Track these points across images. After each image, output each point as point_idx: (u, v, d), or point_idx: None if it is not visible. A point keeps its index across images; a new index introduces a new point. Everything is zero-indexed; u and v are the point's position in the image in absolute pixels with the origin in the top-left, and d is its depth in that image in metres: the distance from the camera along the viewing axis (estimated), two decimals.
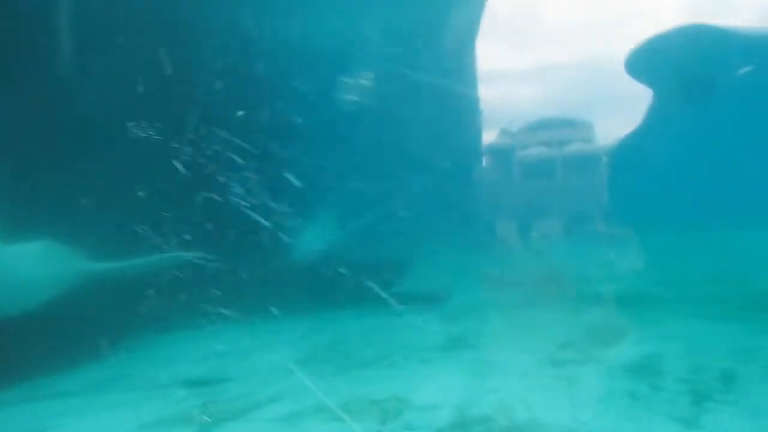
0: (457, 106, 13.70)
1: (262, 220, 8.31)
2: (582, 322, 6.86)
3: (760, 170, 11.67)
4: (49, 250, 6.72)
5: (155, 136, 7.21)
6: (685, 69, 11.88)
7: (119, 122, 7.27)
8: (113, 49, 7.49)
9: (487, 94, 15.26)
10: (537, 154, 16.55)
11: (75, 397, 5.35)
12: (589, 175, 15.18)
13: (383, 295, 7.65)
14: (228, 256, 7.65)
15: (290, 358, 5.91)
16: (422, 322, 7.47)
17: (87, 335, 6.44)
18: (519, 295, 9.10)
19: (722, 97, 11.98)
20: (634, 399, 4.01)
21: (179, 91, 7.72)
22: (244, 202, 8.27)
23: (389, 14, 11.67)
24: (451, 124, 13.75)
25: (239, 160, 8.35)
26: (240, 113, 8.51)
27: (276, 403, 4.46)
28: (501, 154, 17.39)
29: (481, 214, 14.44)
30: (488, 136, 16.82)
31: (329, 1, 11.13)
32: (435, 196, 13.24)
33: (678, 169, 13.11)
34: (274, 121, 9.02)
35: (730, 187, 11.99)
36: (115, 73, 7.37)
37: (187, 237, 7.31)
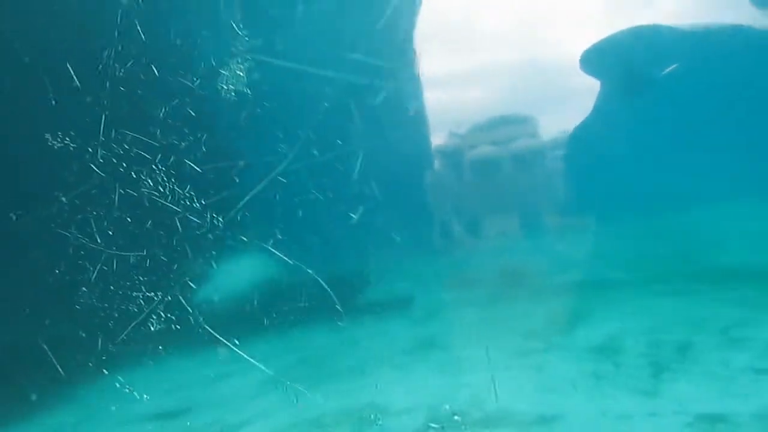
0: (404, 112, 13.87)
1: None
2: (544, 312, 7.02)
3: (697, 157, 12.33)
4: None
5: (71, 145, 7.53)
6: (632, 65, 12.65)
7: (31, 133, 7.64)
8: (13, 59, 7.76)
9: (432, 98, 15.42)
10: (486, 153, 16.88)
11: None
12: (539, 169, 15.58)
13: (338, 307, 7.71)
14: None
15: (257, 381, 5.85)
16: (391, 329, 7.52)
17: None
18: (480, 293, 9.25)
19: (661, 90, 12.68)
20: (598, 378, 4.16)
21: (84, 98, 8.11)
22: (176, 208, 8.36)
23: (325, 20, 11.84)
24: (400, 130, 13.89)
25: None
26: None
27: (248, 427, 4.41)
28: (451, 156, 17.63)
29: (436, 217, 14.60)
30: (437, 140, 17.00)
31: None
32: (387, 202, 13.31)
33: (625, 158, 13.67)
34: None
35: (672, 174, 12.59)
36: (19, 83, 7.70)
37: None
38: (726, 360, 4.10)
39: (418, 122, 14.88)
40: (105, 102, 8.49)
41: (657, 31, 13.19)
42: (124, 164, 8.49)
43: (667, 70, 12.39)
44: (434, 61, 14.54)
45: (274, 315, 8.68)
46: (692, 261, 8.75)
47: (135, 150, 8.58)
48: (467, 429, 3.56)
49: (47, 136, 7.62)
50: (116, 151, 8.47)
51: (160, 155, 8.85)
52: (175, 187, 8.90)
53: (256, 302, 8.93)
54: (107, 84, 8.90)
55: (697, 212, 11.52)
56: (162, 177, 8.83)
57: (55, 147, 7.59)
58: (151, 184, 8.60)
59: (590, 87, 15.31)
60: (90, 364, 7.05)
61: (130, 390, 6.37)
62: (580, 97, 15.70)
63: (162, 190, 8.67)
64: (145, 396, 5.65)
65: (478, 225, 14.05)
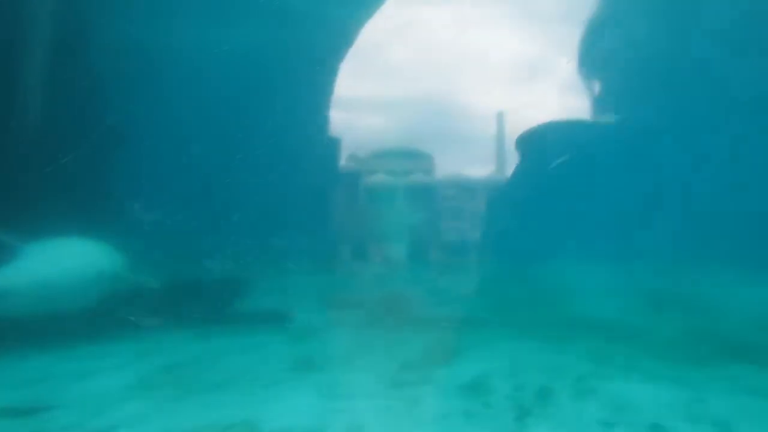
0: (306, 128, 13.85)
1: None
2: (421, 343, 7.26)
3: (565, 220, 13.92)
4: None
5: None
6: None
7: None
8: None
9: (336, 118, 15.61)
10: (382, 181, 17.29)
11: None
12: (429, 205, 16.27)
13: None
14: None
15: (123, 384, 5.43)
16: (266, 344, 7.34)
17: None
18: (361, 317, 9.37)
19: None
20: (468, 417, 4.40)
21: None
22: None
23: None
24: (300, 144, 13.83)
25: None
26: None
27: None
28: (348, 178, 17.80)
29: (325, 236, 14.63)
30: (336, 159, 17.10)
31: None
32: (277, 214, 13.16)
33: (505, 209, 14.91)
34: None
35: (543, 231, 14.00)
36: None
37: None
38: (579, 410, 4.53)
39: (320, 137, 14.91)
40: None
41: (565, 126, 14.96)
42: None
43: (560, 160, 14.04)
44: (345, 82, 14.73)
45: (137, 317, 8.15)
46: (555, 309, 9.58)
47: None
48: None
49: None
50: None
51: None
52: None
53: (119, 302, 8.33)
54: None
55: (559, 265, 12.76)
56: None
57: None
58: None
59: (486, 136, 16.39)
60: None
61: None
62: (477, 144, 16.72)
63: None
64: None
65: (363, 249, 14.30)
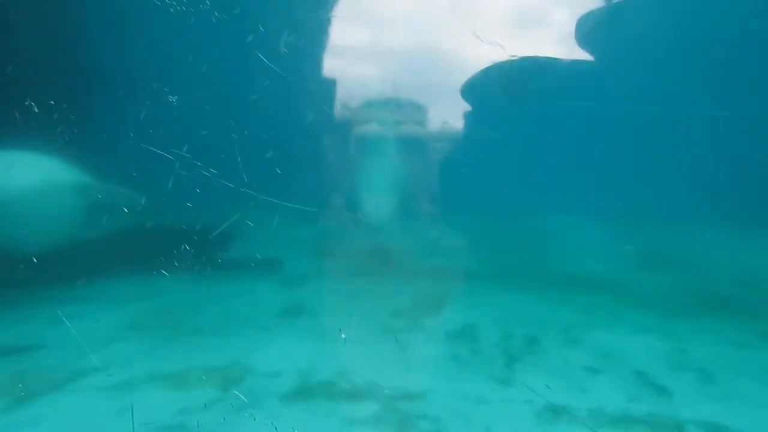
0: (297, 77, 13.51)
1: None
2: (410, 293, 7.31)
3: (563, 167, 13.83)
4: None
5: None
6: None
7: None
8: None
9: (328, 66, 15.23)
10: (373, 131, 17.04)
11: None
12: (420, 157, 16.13)
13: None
14: None
15: (113, 325, 5.44)
16: (257, 290, 7.37)
17: None
18: (352, 266, 9.41)
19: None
20: (458, 362, 4.47)
21: None
22: None
23: None
24: (290, 93, 13.53)
25: None
26: None
27: (101, 372, 4.07)
28: (339, 127, 17.53)
29: (316, 185, 14.53)
30: (327, 108, 16.78)
31: None
32: (269, 162, 13.00)
33: (496, 164, 14.84)
34: None
35: (535, 186, 13.98)
36: None
37: None
38: (566, 357, 4.62)
39: (313, 85, 14.56)
40: None
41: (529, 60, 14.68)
42: None
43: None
44: (336, 31, 14.29)
45: (129, 258, 8.12)
46: (542, 264, 9.68)
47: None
48: (336, 399, 3.62)
49: None
50: None
51: None
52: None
53: (109, 242, 8.30)
54: None
55: (550, 221, 12.84)
56: None
57: None
58: None
59: (479, 88, 16.12)
60: None
61: None
62: (468, 97, 16.45)
63: None
64: None
65: (355, 200, 14.23)
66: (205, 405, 3.44)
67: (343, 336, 5.04)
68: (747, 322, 5.89)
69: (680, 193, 12.88)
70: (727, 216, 11.23)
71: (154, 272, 8.10)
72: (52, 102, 7.50)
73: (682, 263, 9.36)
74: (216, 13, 11.08)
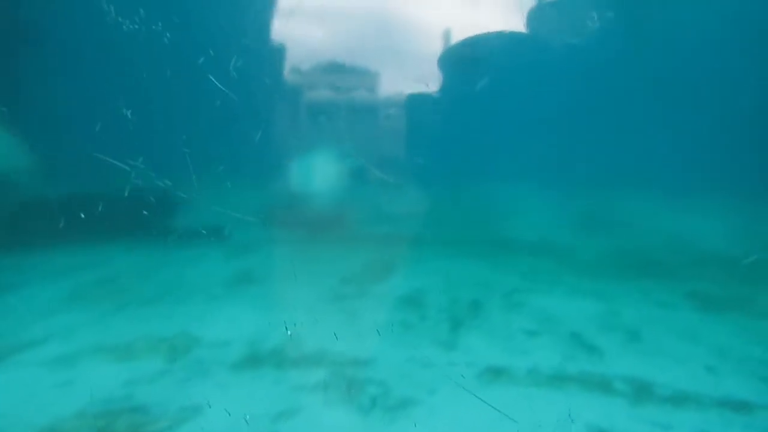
0: (246, 39, 13.10)
1: None
2: (359, 260, 7.40)
3: (508, 135, 14.14)
4: None
5: None
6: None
7: None
8: None
9: (278, 28, 14.81)
10: (324, 97, 16.82)
11: None
12: (370, 122, 16.09)
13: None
14: None
15: (55, 296, 5.26)
16: (204, 258, 7.26)
17: None
18: (301, 233, 9.39)
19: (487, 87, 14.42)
20: (406, 327, 4.60)
21: None
22: None
23: None
24: (238, 55, 13.12)
25: None
26: None
27: (45, 344, 3.97)
28: (290, 91, 17.16)
29: (264, 150, 14.27)
30: (278, 71, 16.38)
31: None
32: (215, 128, 12.69)
33: (445, 132, 15.08)
34: None
35: (481, 153, 14.30)
36: None
37: None
38: (507, 321, 4.84)
39: (264, 48, 14.16)
40: None
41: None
42: None
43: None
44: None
45: (71, 226, 7.82)
46: (484, 230, 9.95)
47: None
48: (285, 367, 3.67)
49: None
50: None
51: None
52: None
53: (50, 209, 7.96)
54: None
55: (493, 187, 13.18)
56: None
57: None
58: None
59: (430, 56, 16.11)
60: None
61: None
62: (419, 64, 16.41)
63: None
64: None
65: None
66: (152, 376, 3.42)
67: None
68: (673, 284, 6.31)
69: (618, 161, 13.50)
70: (659, 183, 11.87)
71: (98, 240, 7.87)
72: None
73: (617, 228, 9.85)
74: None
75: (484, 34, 14.87)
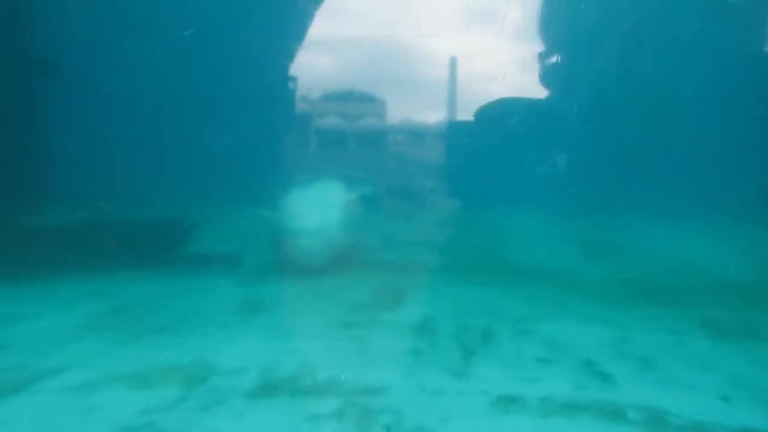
0: (259, 68, 13.42)
1: None
2: (368, 287, 7.44)
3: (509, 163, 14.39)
4: None
5: None
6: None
7: None
8: None
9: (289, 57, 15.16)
10: (333, 124, 17.06)
11: None
12: (379, 149, 16.29)
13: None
14: None
15: (70, 325, 5.34)
16: (215, 287, 7.33)
17: None
18: (310, 260, 9.44)
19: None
20: (416, 356, 4.63)
21: None
22: None
23: None
24: (251, 83, 13.43)
25: None
26: None
27: (64, 373, 4.05)
28: (298, 119, 17.43)
29: (273, 177, 14.43)
30: (287, 99, 16.64)
31: None
32: (225, 155, 12.90)
33: (452, 159, 15.40)
34: None
35: (491, 175, 14.50)
36: None
37: None
38: (518, 349, 4.86)
39: (278, 77, 14.47)
40: None
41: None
42: None
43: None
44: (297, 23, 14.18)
45: (82, 255, 7.95)
46: (499, 256, 9.99)
47: None
48: (299, 396, 3.71)
49: None
50: None
51: None
52: None
53: (61, 238, 8.11)
54: None
55: (499, 215, 13.27)
56: None
57: None
58: None
59: (438, 82, 16.38)
60: None
61: None
62: (429, 90, 16.68)
63: None
64: None
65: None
66: (170, 404, 3.47)
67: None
68: (684, 311, 6.31)
69: (619, 186, 13.61)
70: (661, 208, 11.92)
71: (108, 270, 7.98)
72: None
73: (622, 254, 9.85)
74: None
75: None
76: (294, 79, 14.70)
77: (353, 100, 16.81)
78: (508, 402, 3.60)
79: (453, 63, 16.58)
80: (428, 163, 15.55)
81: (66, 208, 9.76)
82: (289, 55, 14.26)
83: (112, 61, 11.25)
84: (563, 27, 14.77)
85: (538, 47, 15.43)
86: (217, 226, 11.59)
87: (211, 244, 10.38)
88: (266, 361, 4.39)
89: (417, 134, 16.32)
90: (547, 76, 15.35)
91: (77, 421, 3.27)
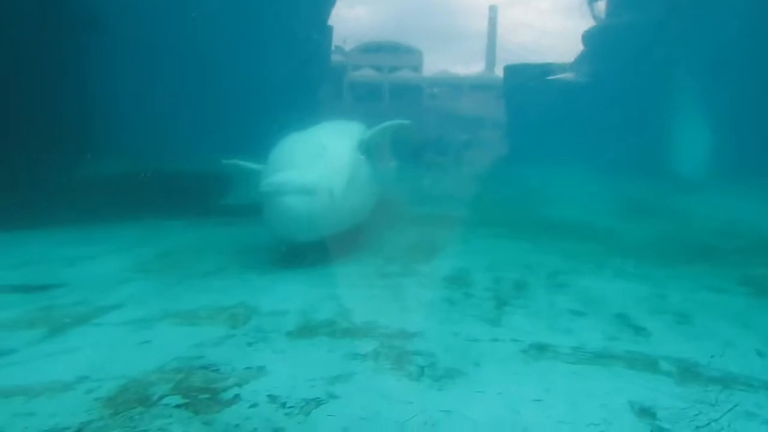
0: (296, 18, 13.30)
1: None
2: (403, 240, 7.55)
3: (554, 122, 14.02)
4: None
5: None
6: None
7: None
8: None
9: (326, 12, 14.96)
10: (367, 76, 16.86)
11: None
12: (416, 102, 16.11)
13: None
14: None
15: (122, 267, 5.67)
16: (256, 235, 7.54)
17: None
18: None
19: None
20: (451, 304, 4.73)
21: None
22: None
23: None
24: (287, 35, 13.35)
25: None
26: None
27: (120, 310, 4.36)
28: (333, 71, 17.29)
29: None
30: (321, 51, 16.49)
31: None
32: (259, 106, 13.01)
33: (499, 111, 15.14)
34: None
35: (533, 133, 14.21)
36: None
37: None
38: (552, 301, 4.90)
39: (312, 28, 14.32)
40: None
41: None
42: None
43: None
44: None
45: (134, 208, 8.33)
46: (533, 212, 9.94)
47: None
48: (337, 336, 3.87)
49: None
50: None
51: None
52: None
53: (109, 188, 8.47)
54: None
55: (539, 172, 13.09)
56: None
57: None
58: None
59: (477, 33, 15.94)
60: None
61: None
62: (465, 42, 16.23)
63: None
64: None
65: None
66: (218, 340, 3.70)
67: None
68: (726, 270, 6.19)
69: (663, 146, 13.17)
70: (710, 166, 11.53)
71: (155, 218, 8.33)
72: None
73: (666, 214, 9.64)
74: None
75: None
76: (330, 28, 14.53)
77: (389, 51, 16.58)
78: (540, 349, 3.68)
79: (492, 13, 16.13)
80: (466, 117, 15.33)
81: (113, 160, 10.12)
82: (327, 4, 14.04)
83: (151, 18, 11.32)
84: None
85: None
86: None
87: (249, 196, 10.63)
88: (305, 305, 4.57)
89: (453, 87, 16.05)
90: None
91: (135, 351, 3.54)
